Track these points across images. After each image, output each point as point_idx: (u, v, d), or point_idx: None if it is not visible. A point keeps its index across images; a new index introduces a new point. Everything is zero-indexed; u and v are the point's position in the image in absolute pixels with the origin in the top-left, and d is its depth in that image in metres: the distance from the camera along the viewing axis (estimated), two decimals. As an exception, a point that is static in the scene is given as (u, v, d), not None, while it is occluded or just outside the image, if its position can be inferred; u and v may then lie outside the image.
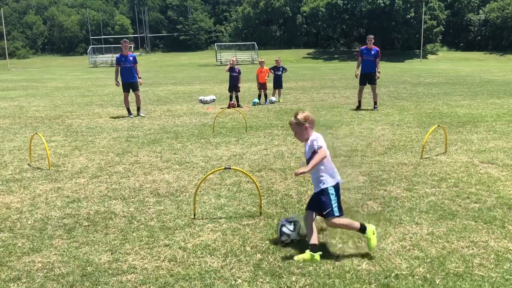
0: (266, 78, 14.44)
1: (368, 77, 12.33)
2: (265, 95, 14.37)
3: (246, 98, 15.47)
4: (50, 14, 78.42)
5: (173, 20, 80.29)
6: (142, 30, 77.98)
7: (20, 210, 4.96)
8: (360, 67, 12.45)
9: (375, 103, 12.44)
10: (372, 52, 12.20)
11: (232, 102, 13.47)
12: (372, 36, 12.48)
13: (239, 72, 13.60)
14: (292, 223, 3.98)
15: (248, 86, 19.39)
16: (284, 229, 3.96)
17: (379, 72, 12.25)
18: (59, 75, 36.55)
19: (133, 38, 73.74)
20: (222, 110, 12.20)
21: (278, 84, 14.84)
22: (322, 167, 3.77)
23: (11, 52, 67.45)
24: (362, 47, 12.57)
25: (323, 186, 3.76)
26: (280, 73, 14.95)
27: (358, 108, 12.39)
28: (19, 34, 75.27)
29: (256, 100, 14.23)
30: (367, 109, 12.22)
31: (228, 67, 13.67)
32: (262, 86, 14.31)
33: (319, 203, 3.78)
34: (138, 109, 12.11)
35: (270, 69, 14.90)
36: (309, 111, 4.10)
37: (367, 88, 12.53)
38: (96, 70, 46.40)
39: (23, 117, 12.14)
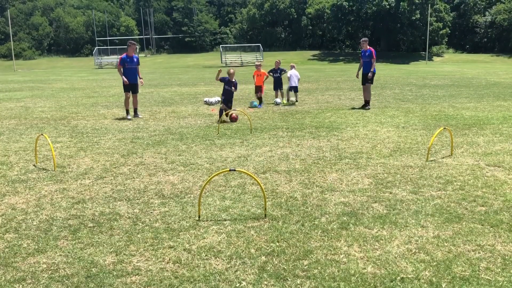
0: (264, 80, 14.25)
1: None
2: (260, 98, 14.09)
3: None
4: (56, 16, 78.78)
5: (178, 21, 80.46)
6: (147, 32, 78.21)
7: (26, 211, 4.98)
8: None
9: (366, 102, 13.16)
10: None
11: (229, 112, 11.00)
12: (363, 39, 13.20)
13: (236, 87, 11.32)
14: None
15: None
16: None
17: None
18: (65, 76, 36.71)
19: (139, 39, 73.95)
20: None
21: (278, 86, 14.81)
22: None
23: (17, 53, 67.80)
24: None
25: None
26: (278, 75, 14.84)
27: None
28: (25, 35, 75.66)
29: (255, 102, 14.08)
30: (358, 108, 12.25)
31: (218, 76, 11.24)
32: (258, 89, 14.10)
33: None
34: (136, 110, 12.16)
35: (269, 72, 14.89)
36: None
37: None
38: (101, 72, 46.56)
39: (29, 118, 12.19)
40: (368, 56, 12.65)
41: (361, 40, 13.02)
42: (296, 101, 14.68)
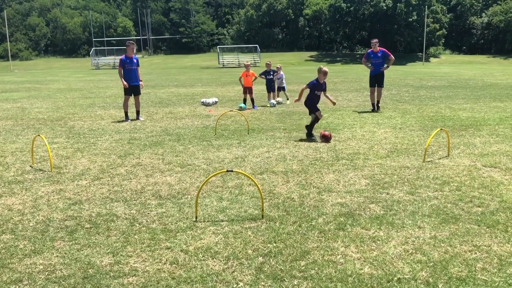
0: (253, 81, 13.82)
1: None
2: (252, 100, 13.79)
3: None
4: (53, 16, 78.63)
5: (175, 22, 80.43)
6: (144, 33, 78.14)
7: (22, 212, 4.96)
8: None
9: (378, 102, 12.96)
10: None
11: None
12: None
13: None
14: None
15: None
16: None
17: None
18: (62, 77, 36.63)
19: (136, 40, 73.84)
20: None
21: (271, 88, 14.73)
22: None
23: (14, 54, 67.68)
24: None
25: None
26: (271, 77, 14.72)
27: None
28: (22, 35, 75.50)
29: (242, 104, 13.63)
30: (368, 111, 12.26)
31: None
32: (247, 90, 13.71)
33: None
34: (138, 113, 11.81)
35: (261, 74, 14.70)
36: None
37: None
38: (98, 72, 46.50)
39: (25, 119, 12.16)
40: (381, 57, 12.51)
41: (373, 42, 12.62)
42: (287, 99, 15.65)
